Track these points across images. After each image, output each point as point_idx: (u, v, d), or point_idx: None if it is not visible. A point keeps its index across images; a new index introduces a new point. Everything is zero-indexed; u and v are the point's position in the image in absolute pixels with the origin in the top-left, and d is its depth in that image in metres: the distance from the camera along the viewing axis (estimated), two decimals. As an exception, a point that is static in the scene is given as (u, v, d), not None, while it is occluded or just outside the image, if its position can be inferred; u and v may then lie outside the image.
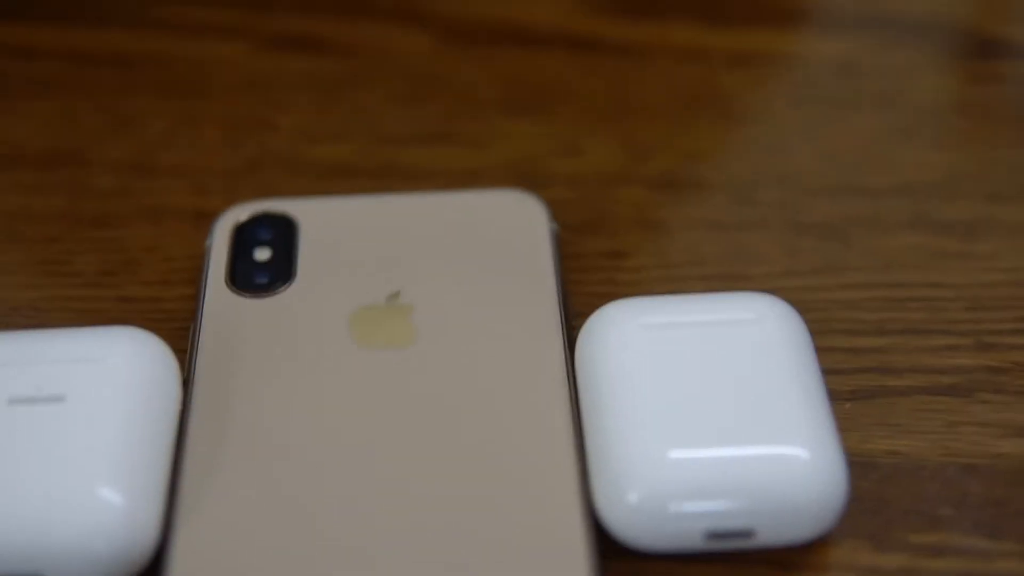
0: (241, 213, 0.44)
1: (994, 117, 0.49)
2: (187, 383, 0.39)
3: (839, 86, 0.50)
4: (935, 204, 0.46)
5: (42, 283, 0.45)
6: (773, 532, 0.35)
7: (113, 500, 0.35)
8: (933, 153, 0.48)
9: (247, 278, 0.42)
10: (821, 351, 0.38)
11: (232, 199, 0.45)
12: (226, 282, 0.42)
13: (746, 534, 0.35)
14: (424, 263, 0.42)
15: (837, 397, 0.39)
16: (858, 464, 0.38)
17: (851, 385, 0.40)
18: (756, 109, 0.50)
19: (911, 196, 0.46)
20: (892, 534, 0.37)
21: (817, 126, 0.49)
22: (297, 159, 0.48)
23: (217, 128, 0.49)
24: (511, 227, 0.43)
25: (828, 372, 0.38)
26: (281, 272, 0.42)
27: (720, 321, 0.38)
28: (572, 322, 0.40)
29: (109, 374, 0.37)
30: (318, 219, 0.44)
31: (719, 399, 0.36)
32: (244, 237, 0.43)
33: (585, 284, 0.43)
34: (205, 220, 0.44)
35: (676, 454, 0.35)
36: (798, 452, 0.35)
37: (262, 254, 0.43)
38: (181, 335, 0.40)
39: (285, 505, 0.36)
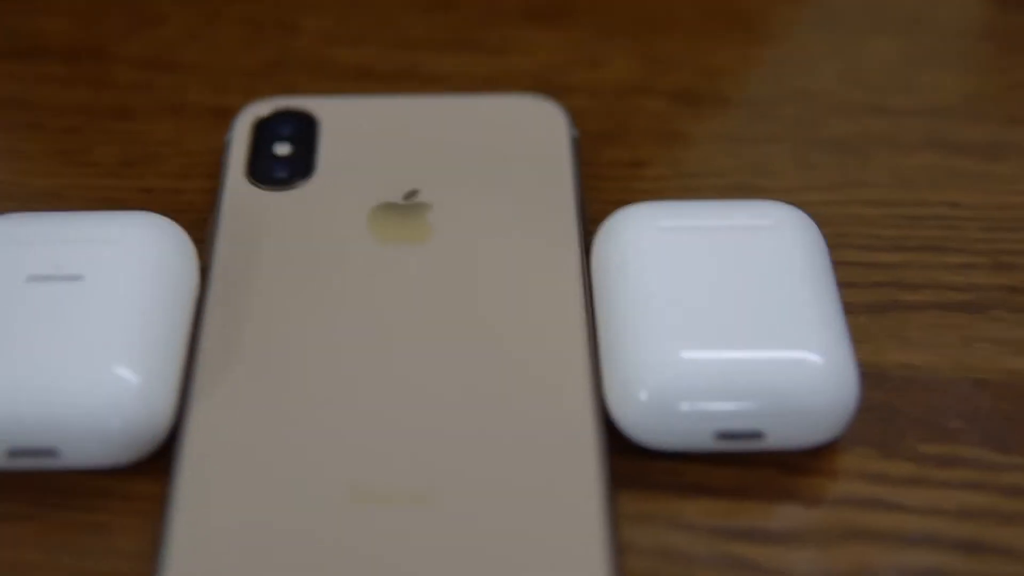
0: (263, 108, 0.44)
1: (1017, 44, 0.49)
2: (204, 271, 0.39)
3: (864, 9, 0.50)
4: (955, 126, 0.46)
5: (63, 172, 0.45)
6: (782, 435, 0.36)
7: (128, 378, 0.35)
8: (954, 77, 0.48)
9: (267, 172, 0.42)
10: (836, 265, 0.39)
11: (252, 98, 0.45)
12: (246, 175, 0.42)
13: (755, 435, 0.36)
14: (443, 163, 0.42)
15: (851, 310, 0.39)
16: (870, 375, 0.38)
17: (866, 299, 0.40)
18: (779, 28, 0.50)
19: (931, 117, 0.46)
20: (901, 443, 0.37)
21: (840, 47, 0.49)
22: (318, 61, 0.48)
23: (238, 28, 0.49)
24: (531, 131, 0.43)
25: (843, 286, 0.38)
26: (301, 167, 0.42)
27: (737, 227, 0.38)
28: (588, 227, 0.40)
29: (127, 256, 0.38)
30: (339, 117, 0.44)
31: (734, 303, 0.36)
32: (265, 132, 0.43)
33: (602, 192, 0.43)
34: (224, 117, 0.45)
35: (688, 354, 0.36)
36: (811, 356, 0.35)
37: (282, 149, 0.43)
38: (199, 227, 0.40)
39: (299, 392, 0.36)
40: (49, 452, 0.35)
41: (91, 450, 0.35)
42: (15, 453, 0.35)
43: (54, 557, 0.35)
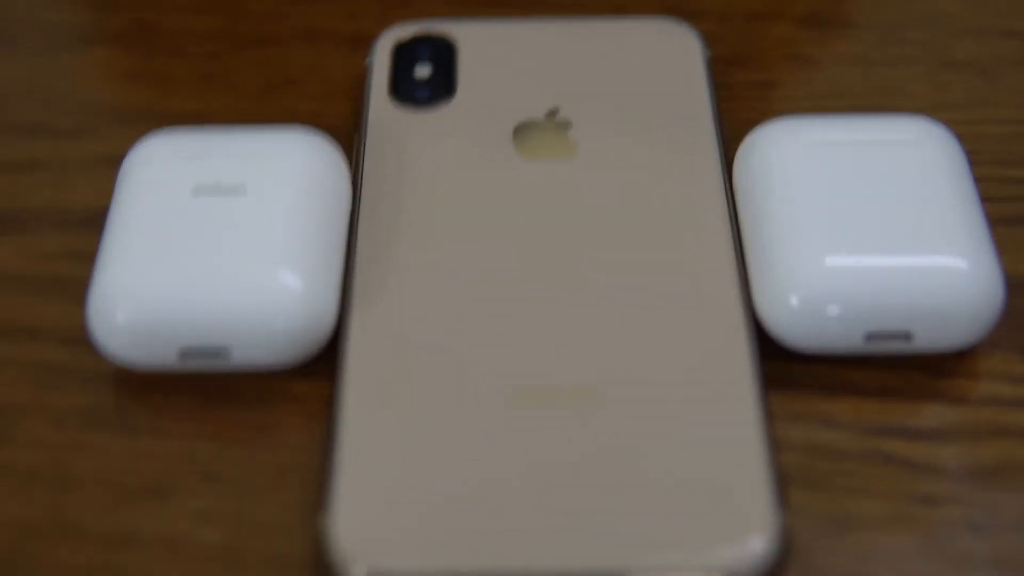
0: (402, 32, 0.45)
1: None
2: (355, 186, 0.40)
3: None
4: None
5: (206, 95, 0.46)
6: (929, 337, 0.37)
7: (292, 283, 0.37)
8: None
9: (409, 93, 0.43)
10: (974, 180, 0.39)
11: (384, 25, 0.46)
12: (389, 96, 0.43)
13: (903, 336, 0.37)
14: (581, 83, 0.43)
15: (992, 223, 0.39)
16: (1014, 284, 0.39)
17: (1004, 212, 0.41)
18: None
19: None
20: (1042, 347, 0.38)
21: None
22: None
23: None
24: (666, 52, 0.44)
25: (982, 200, 0.39)
26: (442, 88, 0.43)
27: (880, 140, 0.39)
28: (727, 144, 0.41)
29: (286, 169, 0.39)
30: (476, 39, 0.45)
31: (879, 212, 0.37)
32: (405, 54, 0.44)
33: (736, 112, 0.44)
34: (361, 43, 0.46)
35: (836, 260, 0.37)
36: (956, 262, 0.37)
37: (423, 71, 0.44)
38: (344, 147, 0.42)
39: (453, 297, 0.38)
40: (219, 352, 0.37)
41: (258, 350, 0.37)
42: (187, 353, 0.37)
43: (227, 451, 0.36)
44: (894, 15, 0.48)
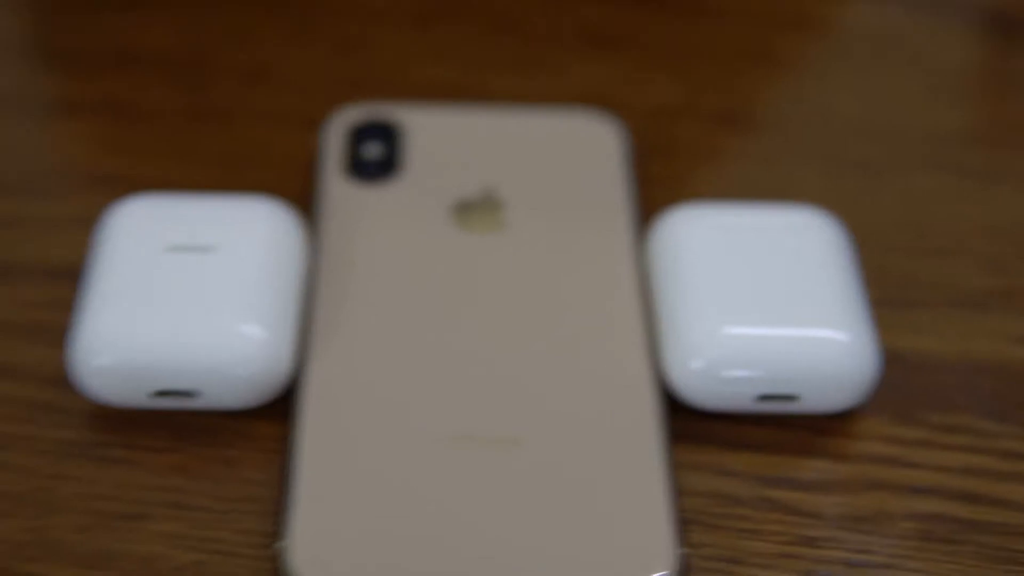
0: (353, 114, 0.50)
1: (1008, 83, 0.56)
2: (312, 249, 0.45)
3: (876, 48, 0.56)
4: (959, 151, 0.52)
5: (172, 165, 0.50)
6: (813, 399, 0.42)
7: (256, 334, 0.41)
8: (956, 109, 0.54)
9: (359, 170, 0.48)
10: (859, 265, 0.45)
11: (338, 107, 0.50)
12: (341, 171, 0.48)
13: (791, 398, 0.42)
14: (515, 167, 0.48)
15: (872, 303, 0.45)
16: (888, 356, 0.44)
17: (884, 295, 0.46)
18: (797, 60, 0.56)
19: (937, 143, 0.52)
20: (914, 413, 0.43)
21: (856, 78, 0.55)
22: (397, 76, 0.54)
23: (324, 43, 0.55)
24: (590, 142, 0.49)
25: (864, 282, 0.44)
26: (389, 167, 0.48)
27: (774, 226, 0.44)
28: (641, 224, 0.46)
29: (251, 232, 0.43)
30: (421, 123, 0.49)
31: (772, 288, 0.42)
32: (357, 134, 0.49)
33: (652, 197, 0.48)
34: (315, 123, 0.50)
35: (734, 330, 0.42)
36: (837, 335, 0.42)
37: (374, 150, 0.48)
38: (301, 213, 0.46)
39: (400, 350, 0.42)
40: (189, 394, 0.41)
41: (223, 393, 0.41)
42: (160, 394, 0.41)
43: (194, 483, 0.41)
44: (797, 116, 0.53)
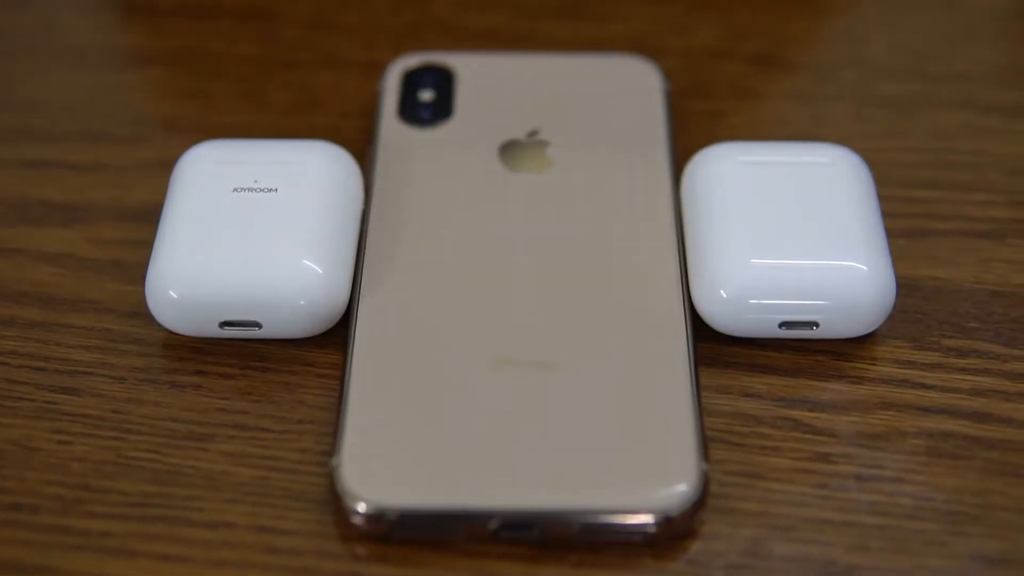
0: (410, 61, 0.53)
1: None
2: (367, 191, 0.48)
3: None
4: (985, 89, 0.54)
5: (242, 110, 0.54)
6: (832, 325, 0.44)
7: (314, 268, 0.44)
8: (987, 49, 0.57)
9: (414, 113, 0.51)
10: (881, 199, 0.47)
11: (396, 55, 0.54)
12: (397, 115, 0.51)
13: (811, 325, 0.44)
14: (559, 109, 0.51)
15: (892, 234, 0.47)
16: (905, 285, 0.47)
17: (904, 226, 0.49)
18: (837, 4, 0.59)
19: (964, 82, 0.55)
20: (928, 337, 0.46)
21: (890, 22, 0.58)
22: (450, 24, 0.57)
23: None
24: (630, 84, 0.52)
25: (886, 215, 0.47)
26: (442, 110, 0.51)
27: (801, 162, 0.47)
28: (678, 162, 0.49)
29: (311, 174, 0.47)
30: (473, 69, 0.53)
31: (796, 222, 0.45)
32: (412, 80, 0.52)
33: (689, 136, 0.51)
34: (374, 70, 0.54)
35: (759, 261, 0.44)
36: (856, 264, 0.44)
37: (426, 95, 0.52)
38: (358, 157, 0.49)
39: (447, 283, 0.45)
40: (253, 324, 0.44)
41: (284, 324, 0.44)
42: (227, 324, 0.44)
43: (257, 405, 0.44)
44: (828, 58, 0.56)
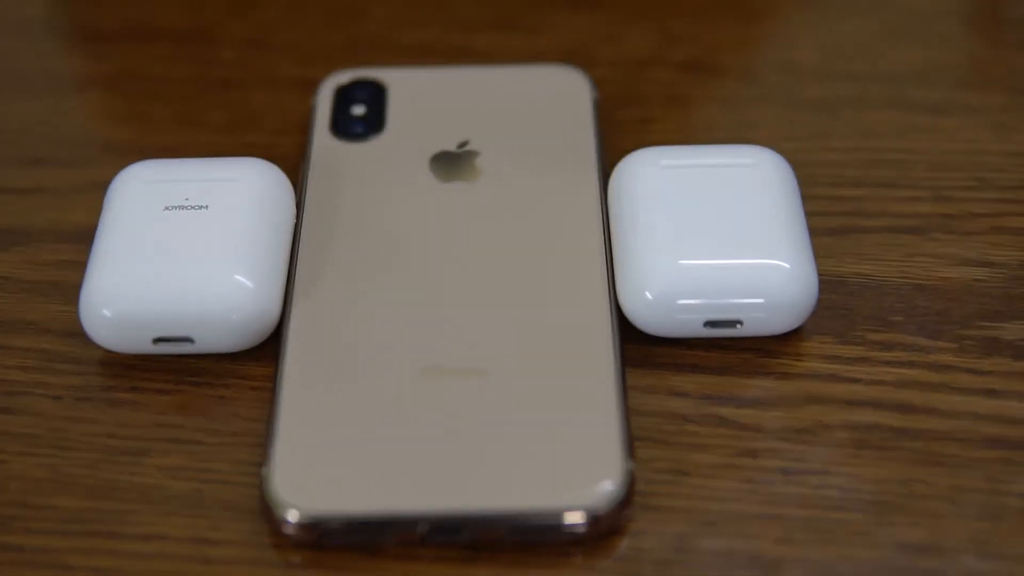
0: (342, 78, 0.54)
1: (967, 22, 0.59)
2: (299, 205, 0.49)
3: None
4: (911, 88, 0.55)
5: (180, 131, 0.55)
6: (757, 323, 0.45)
7: (245, 283, 0.45)
8: (913, 49, 0.57)
9: (346, 128, 0.52)
10: (809, 198, 0.48)
11: (332, 70, 0.54)
12: (330, 130, 0.52)
13: (735, 323, 0.45)
14: (488, 119, 0.52)
15: (818, 232, 0.48)
16: (831, 281, 0.47)
17: (832, 224, 0.50)
18: (768, 9, 0.60)
19: (891, 82, 0.56)
20: (853, 332, 0.46)
21: (818, 25, 0.58)
22: (385, 41, 0.58)
23: (320, 14, 0.59)
24: (560, 94, 0.53)
25: (813, 214, 0.48)
26: (374, 124, 0.52)
27: (724, 164, 0.48)
28: (606, 169, 0.50)
29: (241, 190, 0.47)
30: (404, 83, 0.53)
31: (720, 223, 0.46)
32: (344, 96, 0.53)
33: (619, 143, 0.51)
34: (311, 87, 0.54)
35: (684, 262, 0.45)
36: (779, 263, 0.45)
37: (358, 110, 0.52)
38: (292, 172, 0.50)
39: (377, 293, 0.46)
40: (186, 339, 0.45)
41: (217, 338, 0.45)
42: (159, 340, 0.45)
43: (192, 419, 0.45)
44: (756, 62, 0.57)
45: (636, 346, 0.46)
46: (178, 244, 0.46)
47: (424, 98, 0.53)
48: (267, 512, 0.41)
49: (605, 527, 0.41)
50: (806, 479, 0.43)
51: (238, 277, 0.45)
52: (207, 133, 0.55)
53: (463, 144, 0.51)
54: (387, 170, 0.50)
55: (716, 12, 0.59)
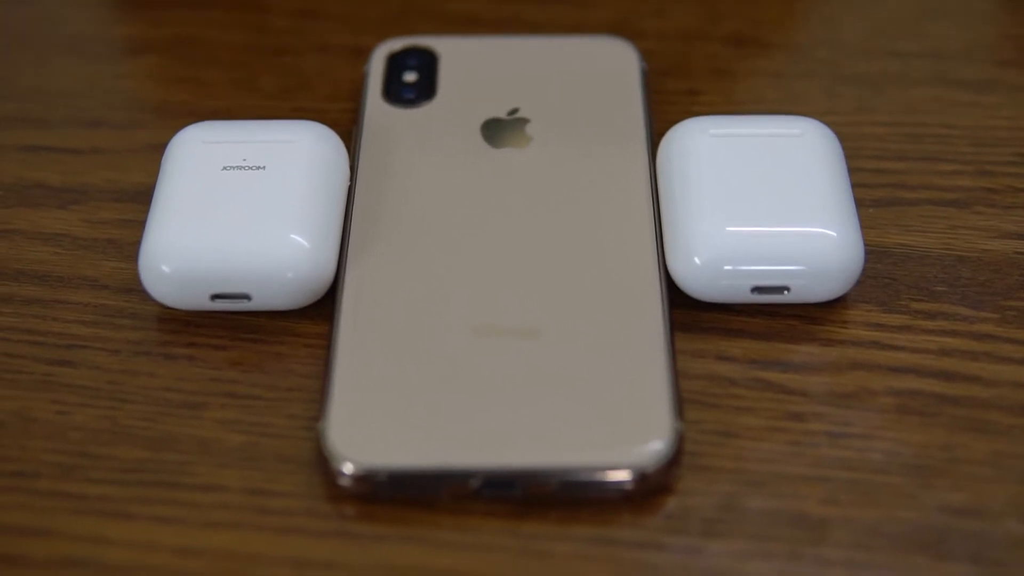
0: (394, 45, 0.55)
1: (1008, 1, 0.60)
2: (352, 168, 0.50)
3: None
4: (954, 66, 0.56)
5: (234, 95, 0.56)
6: (803, 290, 0.46)
7: (301, 242, 0.46)
8: (956, 28, 0.58)
9: (398, 94, 0.53)
10: (853, 171, 0.49)
11: (382, 39, 0.55)
12: (381, 96, 0.53)
13: (782, 289, 0.46)
14: (538, 88, 0.53)
15: (862, 203, 0.49)
16: (875, 252, 0.48)
17: (874, 195, 0.50)
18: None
19: (934, 59, 0.56)
20: (897, 301, 0.47)
21: (862, 3, 0.59)
22: (435, 11, 0.59)
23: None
24: (608, 65, 0.54)
25: (857, 186, 0.49)
26: (425, 91, 0.53)
27: (772, 134, 0.48)
28: (654, 138, 0.51)
29: (298, 152, 0.48)
30: (455, 52, 0.54)
31: (767, 191, 0.46)
32: (396, 63, 0.54)
33: (666, 114, 0.52)
34: (360, 55, 0.55)
35: (732, 228, 0.46)
36: (826, 231, 0.46)
37: (410, 76, 0.53)
38: (344, 138, 0.51)
39: (430, 255, 0.47)
40: (242, 296, 0.46)
41: (273, 296, 0.46)
42: (217, 297, 0.46)
43: (247, 375, 0.46)
44: (801, 38, 0.58)
45: (684, 311, 0.47)
46: (236, 203, 0.46)
47: (475, 66, 0.54)
48: (322, 465, 0.42)
49: (654, 485, 0.42)
50: (850, 442, 0.43)
51: (295, 236, 0.46)
52: (260, 98, 0.56)
53: (513, 111, 0.51)
54: (438, 136, 0.51)
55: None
